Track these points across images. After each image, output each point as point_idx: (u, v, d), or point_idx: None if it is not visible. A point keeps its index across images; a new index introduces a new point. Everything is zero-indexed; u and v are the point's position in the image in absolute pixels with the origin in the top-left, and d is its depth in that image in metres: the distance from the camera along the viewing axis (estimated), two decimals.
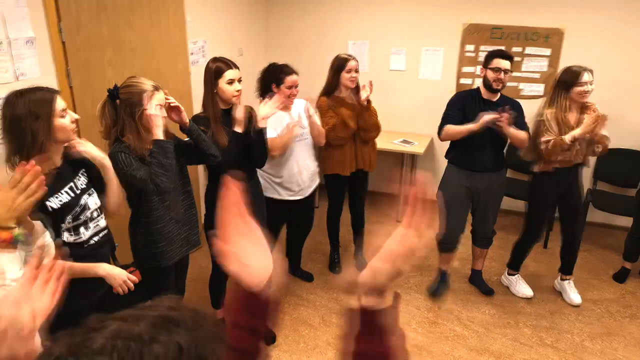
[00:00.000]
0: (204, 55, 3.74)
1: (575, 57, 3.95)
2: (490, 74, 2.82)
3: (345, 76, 3.02)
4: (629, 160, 3.94)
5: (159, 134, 1.95)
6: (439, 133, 3.00)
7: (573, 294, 3.21)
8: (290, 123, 2.75)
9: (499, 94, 2.92)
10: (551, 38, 4.03)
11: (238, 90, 2.39)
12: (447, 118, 2.95)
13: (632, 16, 3.81)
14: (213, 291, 2.80)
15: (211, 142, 2.27)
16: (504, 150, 3.05)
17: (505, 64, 2.79)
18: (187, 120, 2.13)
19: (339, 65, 3.04)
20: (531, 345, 2.79)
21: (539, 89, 4.18)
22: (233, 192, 0.80)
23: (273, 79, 2.71)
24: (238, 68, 2.43)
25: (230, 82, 2.37)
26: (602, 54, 3.87)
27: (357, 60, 3.08)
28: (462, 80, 4.33)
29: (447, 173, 3.11)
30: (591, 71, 2.77)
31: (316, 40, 4.71)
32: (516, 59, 4.15)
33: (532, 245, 3.27)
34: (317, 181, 3.07)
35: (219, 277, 2.73)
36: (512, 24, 4.08)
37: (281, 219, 3.07)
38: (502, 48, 3.00)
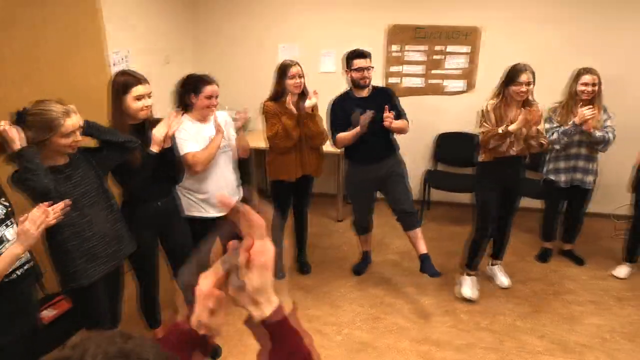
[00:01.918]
0: (127, 66, 3.61)
1: (492, 53, 4.23)
2: (355, 74, 3.06)
3: (289, 82, 3.03)
4: None
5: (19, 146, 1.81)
6: (334, 143, 3.18)
7: (503, 277, 3.42)
8: (217, 135, 2.61)
9: (369, 89, 3.14)
10: (470, 36, 4.26)
11: (147, 106, 2.27)
12: (334, 127, 3.15)
13: (544, 15, 4.11)
14: (147, 312, 2.70)
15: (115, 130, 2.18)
16: (391, 136, 3.23)
17: (364, 62, 3.01)
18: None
19: (282, 71, 3.06)
20: (468, 330, 2.95)
21: (460, 84, 4.41)
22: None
23: (191, 89, 2.58)
24: (148, 82, 2.30)
25: (139, 97, 2.24)
26: (517, 51, 4.12)
27: (300, 66, 3.09)
28: (390, 80, 4.47)
29: (347, 170, 3.35)
30: (529, 72, 2.89)
31: (246, 45, 4.69)
32: (438, 57, 4.37)
33: (484, 240, 3.27)
34: (238, 195, 2.91)
35: (148, 296, 2.63)
36: (433, 23, 4.27)
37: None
38: (359, 48, 3.12)
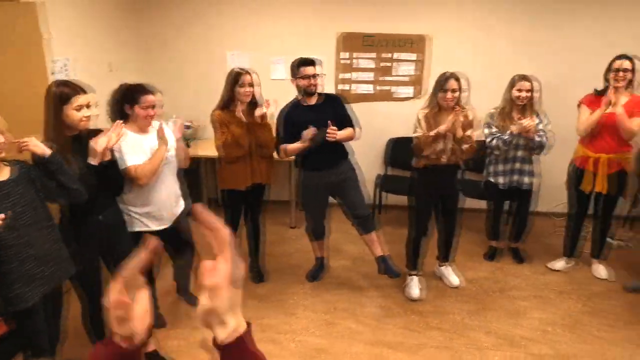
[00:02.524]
0: (67, 75, 3.49)
1: (440, 61, 4.38)
2: (302, 82, 3.06)
3: (239, 90, 3.00)
4: None
5: None
6: (277, 152, 3.20)
7: (452, 277, 3.53)
8: (161, 146, 2.54)
9: (317, 96, 3.16)
10: (418, 44, 4.39)
11: (87, 117, 2.19)
12: (281, 137, 3.16)
13: (489, 24, 4.31)
14: (93, 328, 2.59)
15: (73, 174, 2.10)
16: (344, 144, 3.28)
17: (312, 69, 3.03)
18: (45, 151, 1.97)
19: (233, 79, 3.01)
20: (419, 330, 3.03)
21: (409, 91, 4.53)
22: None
23: (126, 99, 2.49)
24: (87, 92, 2.23)
25: (79, 108, 2.16)
26: (464, 58, 4.30)
27: (252, 74, 3.04)
28: (340, 87, 4.54)
29: (300, 176, 3.36)
30: (458, 79, 3.03)
31: (194, 54, 4.64)
32: (387, 64, 4.48)
33: (421, 240, 3.41)
34: (182, 205, 2.84)
35: (93, 313, 2.52)
36: (382, 32, 4.38)
37: None
38: (307, 56, 3.14)
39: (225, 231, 0.72)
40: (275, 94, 4.54)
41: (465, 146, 3.09)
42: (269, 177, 3.31)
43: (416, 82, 4.50)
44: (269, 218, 4.57)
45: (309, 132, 2.99)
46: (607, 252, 3.73)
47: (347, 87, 4.53)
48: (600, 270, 3.64)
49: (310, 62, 3.09)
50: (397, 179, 4.65)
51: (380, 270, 3.35)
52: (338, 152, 3.25)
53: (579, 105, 3.39)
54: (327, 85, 4.52)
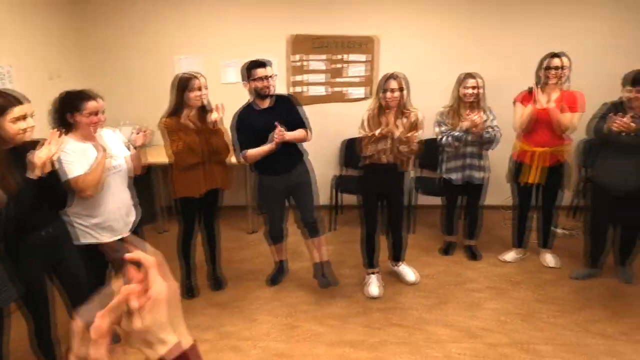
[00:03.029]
0: (10, 82, 3.33)
1: (389, 61, 4.45)
2: (257, 84, 3.02)
3: (190, 95, 2.92)
4: None
5: None
6: (242, 158, 3.15)
7: (409, 275, 3.58)
8: (100, 155, 2.43)
9: (270, 99, 3.14)
10: (367, 45, 4.45)
11: (25, 128, 2.07)
12: (241, 143, 3.11)
13: (435, 25, 4.43)
14: (42, 350, 2.44)
15: None
16: (297, 145, 3.26)
17: (264, 71, 3.00)
18: None
19: (182, 84, 2.92)
20: (380, 328, 3.06)
21: (362, 91, 4.58)
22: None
23: (67, 107, 2.37)
24: (25, 102, 2.10)
25: (17, 119, 2.04)
26: (412, 58, 4.40)
27: (201, 78, 2.96)
28: (295, 89, 4.53)
29: (256, 180, 3.32)
30: (398, 79, 3.08)
31: (141, 58, 4.52)
32: (338, 65, 4.51)
33: (372, 238, 3.47)
34: (134, 215, 2.75)
35: (41, 333, 2.40)
36: (332, 33, 4.41)
37: (106, 265, 2.70)
38: (257, 58, 3.11)
39: (152, 258, 0.72)
40: (228, 97, 4.48)
41: (402, 147, 3.11)
42: (225, 182, 3.27)
43: (368, 82, 4.56)
44: (226, 224, 4.51)
45: (278, 134, 2.98)
46: (553, 241, 3.89)
47: (300, 89, 4.53)
48: (548, 258, 3.81)
49: (263, 64, 3.05)
50: (353, 179, 4.67)
51: (315, 275, 3.43)
52: (293, 155, 3.25)
53: (514, 103, 3.53)
54: (279, 88, 4.51)
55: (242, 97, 4.56)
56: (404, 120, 3.16)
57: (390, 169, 3.23)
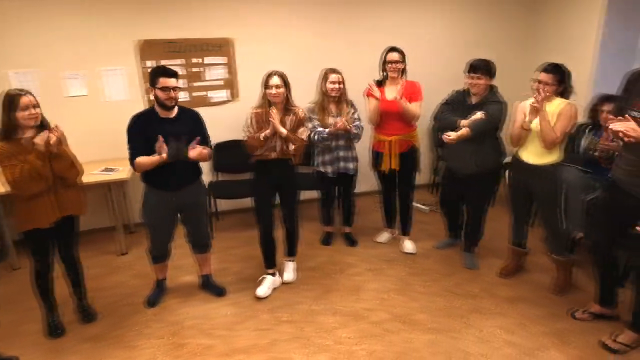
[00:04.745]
0: None
1: (248, 63, 4.44)
2: (160, 93, 2.86)
3: (19, 115, 2.53)
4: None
5: None
6: (132, 165, 2.93)
7: (287, 273, 3.60)
8: None
9: (175, 108, 2.98)
10: (224, 47, 4.37)
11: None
12: (133, 150, 2.91)
13: (292, 22, 4.51)
14: None
15: None
16: (197, 165, 3.13)
17: (169, 81, 2.83)
18: None
19: (8, 104, 2.53)
20: (270, 328, 3.04)
21: (224, 94, 4.50)
22: None
23: None
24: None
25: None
26: (272, 56, 4.44)
27: (29, 95, 2.58)
28: (151, 96, 4.27)
29: (146, 194, 3.08)
30: (281, 75, 3.10)
31: None
32: (198, 69, 4.38)
33: (270, 236, 3.40)
34: None
35: None
36: (185, 37, 4.25)
37: None
38: (161, 66, 2.98)
39: None
40: (74, 111, 4.11)
41: (291, 144, 3.18)
42: (79, 207, 2.92)
43: (229, 85, 4.49)
44: (91, 249, 4.13)
45: (163, 146, 2.79)
46: (411, 229, 4.10)
47: None
48: (407, 245, 4.04)
49: (169, 73, 2.84)
50: (228, 183, 4.60)
51: (201, 286, 3.49)
52: (189, 172, 3.07)
53: (365, 96, 3.76)
54: (135, 97, 4.25)
55: (90, 110, 4.22)
56: (291, 117, 3.20)
57: (280, 163, 3.25)
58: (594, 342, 2.82)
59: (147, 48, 4.17)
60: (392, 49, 3.60)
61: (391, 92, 3.61)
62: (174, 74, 2.86)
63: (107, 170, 3.96)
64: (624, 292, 3.00)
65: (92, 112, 4.18)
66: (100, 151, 4.24)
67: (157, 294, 3.39)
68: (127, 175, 3.89)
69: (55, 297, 3.05)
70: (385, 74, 3.66)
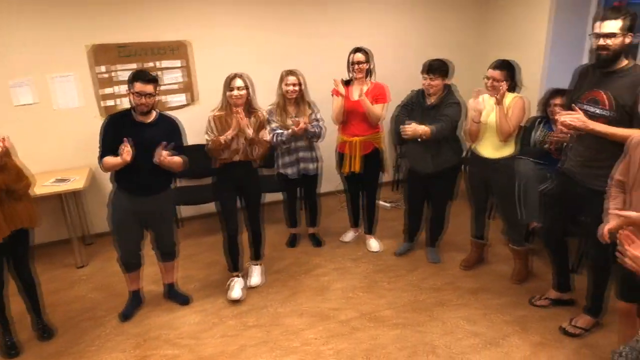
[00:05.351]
0: None
1: (206, 64, 4.37)
2: (133, 98, 2.81)
3: None
4: None
5: None
6: (99, 164, 2.88)
7: (254, 277, 3.56)
8: None
9: (153, 114, 2.93)
10: (179, 50, 4.29)
11: None
12: (102, 149, 2.87)
13: (250, 24, 4.47)
14: None
15: None
16: (170, 174, 3.06)
17: (144, 87, 2.77)
18: None
19: None
20: (237, 334, 3.00)
21: (182, 98, 4.42)
22: None
23: None
24: None
25: None
26: (230, 58, 4.38)
27: None
28: (106, 103, 4.15)
29: (114, 196, 3.01)
30: (242, 78, 3.07)
31: None
32: (153, 73, 4.24)
33: (234, 240, 3.37)
34: None
35: None
36: (137, 40, 4.14)
37: None
38: (142, 70, 2.94)
39: None
40: (26, 122, 3.94)
41: (254, 146, 3.17)
42: (32, 219, 2.80)
43: (187, 88, 4.41)
44: (48, 263, 3.98)
45: (125, 149, 2.72)
46: (375, 228, 4.13)
47: (111, 102, 4.16)
48: (372, 244, 4.06)
49: (144, 78, 2.78)
50: (190, 189, 4.52)
51: (165, 295, 3.43)
52: (160, 179, 2.99)
53: (332, 95, 3.76)
54: (90, 104, 4.10)
55: (41, 119, 4.05)
56: (253, 119, 3.17)
57: (243, 165, 3.23)
58: (553, 327, 2.92)
59: (99, 53, 4.04)
60: (357, 50, 3.60)
61: (357, 92, 3.61)
62: (150, 80, 2.81)
63: (59, 180, 3.81)
64: (581, 279, 3.12)
65: (43, 121, 4.01)
66: (53, 161, 4.09)
67: (132, 307, 3.25)
68: (82, 185, 3.75)
69: (9, 315, 2.92)
70: (352, 75, 3.66)
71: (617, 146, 2.34)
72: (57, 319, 3.21)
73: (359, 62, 3.55)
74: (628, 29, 2.32)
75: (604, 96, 2.44)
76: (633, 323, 2.33)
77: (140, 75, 2.80)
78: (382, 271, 3.69)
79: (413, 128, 3.26)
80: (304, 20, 4.65)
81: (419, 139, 3.30)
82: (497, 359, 2.69)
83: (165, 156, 2.78)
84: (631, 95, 2.35)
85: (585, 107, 2.52)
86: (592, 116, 2.46)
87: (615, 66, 2.42)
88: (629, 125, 2.36)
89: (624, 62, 2.42)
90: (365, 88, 3.60)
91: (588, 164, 2.58)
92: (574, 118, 2.44)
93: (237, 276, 3.45)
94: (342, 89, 3.56)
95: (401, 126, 3.30)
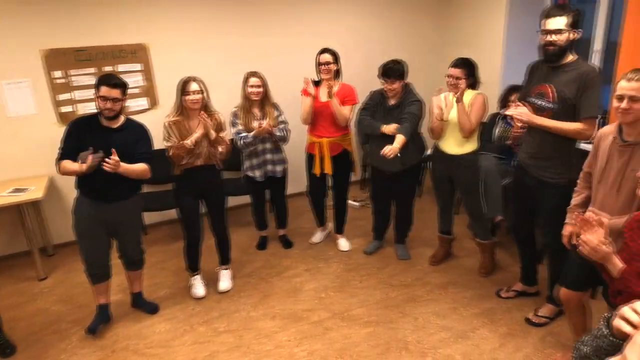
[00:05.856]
0: None
1: (166, 67, 4.27)
2: (98, 102, 2.72)
3: None
4: None
5: None
6: (57, 166, 2.78)
7: (222, 282, 3.52)
8: None
9: (121, 119, 2.85)
10: (138, 53, 4.19)
11: None
12: (62, 151, 2.78)
13: (210, 26, 4.40)
14: None
15: None
16: (134, 181, 2.95)
17: (109, 91, 2.68)
18: None
19: None
20: (208, 340, 2.95)
21: (144, 102, 4.32)
22: None
23: None
24: None
25: None
26: (189, 62, 4.31)
27: None
28: (64, 109, 4.01)
29: (77, 203, 2.90)
30: (200, 81, 3.04)
31: None
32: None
33: (197, 244, 3.36)
34: None
35: None
36: (95, 44, 4.01)
37: None
38: (109, 73, 2.85)
39: None
40: None
41: (219, 148, 3.15)
42: None
43: (148, 92, 4.31)
44: (7, 276, 3.83)
45: (86, 156, 2.63)
46: (344, 227, 4.15)
47: (69, 108, 4.03)
48: (342, 243, 4.08)
49: (115, 85, 2.68)
50: (152, 195, 4.41)
51: (133, 304, 3.36)
52: (123, 187, 2.86)
53: (302, 94, 3.76)
54: (47, 111, 3.95)
55: None
56: (212, 122, 3.13)
57: (206, 169, 3.19)
58: (519, 318, 3.01)
59: (54, 57, 3.89)
60: (323, 51, 3.60)
61: (325, 93, 3.61)
62: (117, 85, 2.71)
63: (16, 190, 3.66)
64: (544, 268, 3.23)
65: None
66: (10, 170, 3.92)
67: (99, 321, 3.09)
68: (41, 195, 3.61)
69: None
70: (320, 75, 3.65)
71: (562, 139, 2.54)
72: (18, 334, 3.08)
73: (327, 63, 3.56)
74: (573, 25, 2.43)
75: (549, 89, 2.57)
76: (582, 310, 2.43)
77: (106, 79, 2.72)
78: (353, 270, 3.71)
79: (394, 151, 3.13)
80: (266, 21, 4.62)
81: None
82: (468, 351, 2.75)
83: (114, 163, 2.63)
84: (574, 89, 2.48)
85: (533, 99, 2.65)
86: (539, 108, 2.61)
87: (561, 61, 2.53)
88: (572, 118, 2.50)
89: (569, 57, 2.53)
90: (335, 88, 3.58)
91: (536, 156, 2.71)
92: (520, 113, 2.56)
93: (197, 274, 3.46)
94: (312, 89, 3.56)
95: (381, 152, 3.15)
